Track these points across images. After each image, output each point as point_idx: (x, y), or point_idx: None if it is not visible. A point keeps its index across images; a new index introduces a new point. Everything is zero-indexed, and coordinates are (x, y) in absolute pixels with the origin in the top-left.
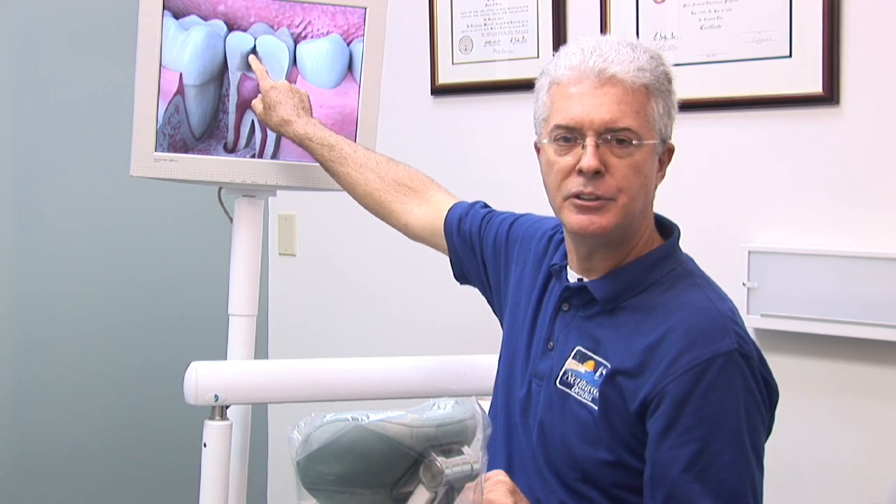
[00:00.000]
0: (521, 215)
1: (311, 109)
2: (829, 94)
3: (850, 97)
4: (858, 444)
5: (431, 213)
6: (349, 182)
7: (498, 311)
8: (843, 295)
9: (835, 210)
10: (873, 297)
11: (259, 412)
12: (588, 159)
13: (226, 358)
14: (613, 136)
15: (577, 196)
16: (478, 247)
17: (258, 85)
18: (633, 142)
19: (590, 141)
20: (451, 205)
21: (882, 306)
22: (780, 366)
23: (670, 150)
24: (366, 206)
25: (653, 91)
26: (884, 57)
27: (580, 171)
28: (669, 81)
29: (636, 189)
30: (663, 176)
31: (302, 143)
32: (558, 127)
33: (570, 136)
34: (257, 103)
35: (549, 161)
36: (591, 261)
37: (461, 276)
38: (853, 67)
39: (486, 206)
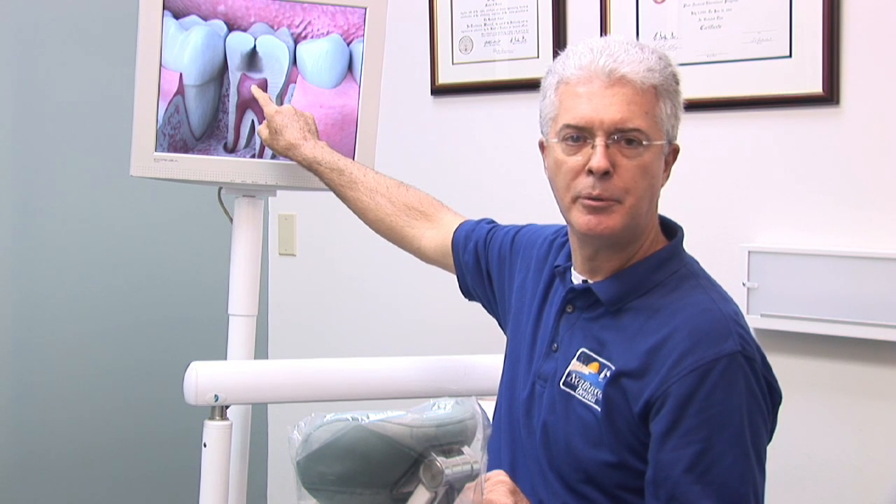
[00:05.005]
0: (524, 226)
1: (317, 132)
2: (829, 94)
3: (850, 97)
4: (858, 444)
5: (441, 235)
6: (359, 207)
7: (503, 321)
8: (843, 295)
9: (835, 210)
10: (873, 297)
11: (259, 412)
12: (598, 159)
13: (226, 358)
14: (622, 137)
15: (587, 197)
16: (483, 260)
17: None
18: (643, 142)
19: (599, 141)
20: (458, 224)
21: (882, 306)
22: (780, 366)
23: (676, 151)
24: (377, 231)
25: (661, 92)
26: (884, 57)
27: (590, 172)
28: (677, 82)
29: (643, 190)
30: (668, 177)
31: (310, 167)
32: (567, 126)
33: (579, 135)
34: (263, 129)
35: (557, 160)
36: (597, 261)
37: (467, 292)
38: (853, 67)
39: (491, 221)
